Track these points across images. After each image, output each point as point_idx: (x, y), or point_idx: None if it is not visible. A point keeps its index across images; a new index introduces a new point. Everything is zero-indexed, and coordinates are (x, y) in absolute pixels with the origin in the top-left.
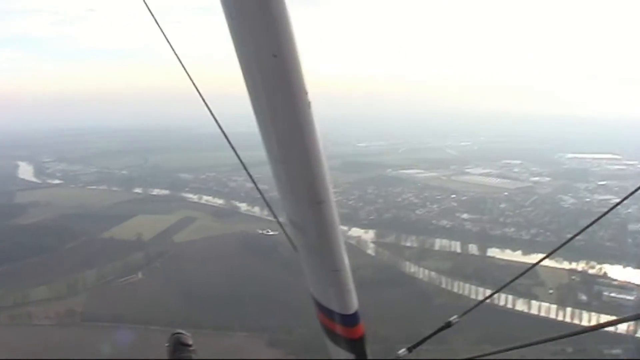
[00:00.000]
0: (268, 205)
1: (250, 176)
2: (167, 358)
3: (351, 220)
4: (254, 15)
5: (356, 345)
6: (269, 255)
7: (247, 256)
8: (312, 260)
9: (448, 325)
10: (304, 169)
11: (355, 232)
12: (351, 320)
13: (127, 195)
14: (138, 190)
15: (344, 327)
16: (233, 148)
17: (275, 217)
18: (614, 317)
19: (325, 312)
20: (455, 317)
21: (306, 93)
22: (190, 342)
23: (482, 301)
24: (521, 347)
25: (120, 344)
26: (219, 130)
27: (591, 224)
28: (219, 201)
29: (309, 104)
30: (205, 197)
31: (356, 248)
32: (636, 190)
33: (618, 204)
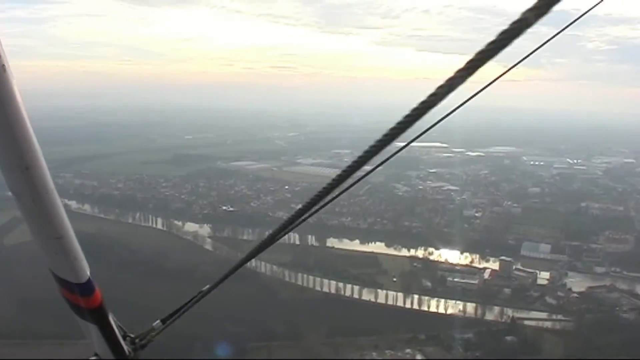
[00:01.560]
0: None
1: None
2: None
3: (185, 214)
4: None
5: (96, 314)
6: (105, 255)
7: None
8: (35, 229)
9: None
10: (7, 132)
11: (191, 227)
12: (86, 288)
13: None
14: None
15: (82, 297)
16: None
17: None
18: None
19: (62, 283)
20: (207, 286)
21: None
22: None
23: (235, 268)
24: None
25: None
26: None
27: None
28: None
29: (3, 67)
30: None
31: (193, 244)
32: (376, 168)
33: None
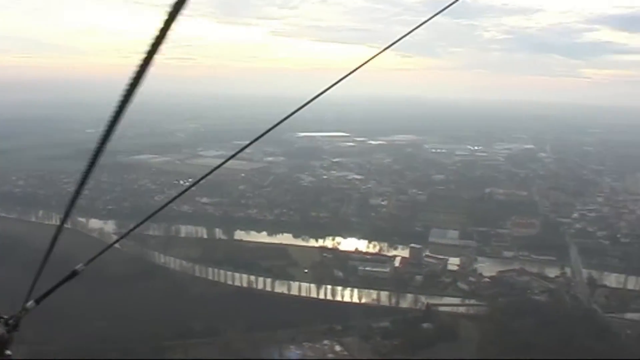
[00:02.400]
0: None
1: None
2: None
3: (89, 211)
4: None
5: None
6: (8, 257)
7: None
8: None
9: (74, 273)
10: None
11: (95, 223)
12: None
13: None
14: None
15: None
16: None
17: None
18: None
19: None
20: (80, 265)
21: None
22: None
23: (107, 248)
24: None
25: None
26: None
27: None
28: None
29: None
30: None
31: (99, 241)
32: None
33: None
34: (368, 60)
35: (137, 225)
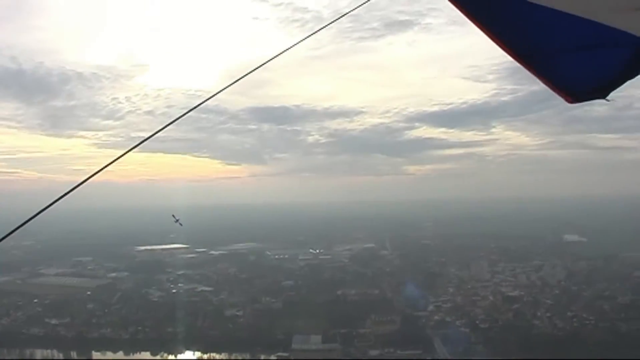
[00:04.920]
0: None
1: None
2: None
3: None
4: None
5: None
6: None
7: None
8: None
9: None
10: None
11: None
12: None
13: None
14: None
15: None
16: None
17: None
18: None
19: None
20: None
21: None
22: None
23: None
24: None
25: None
26: None
27: None
28: None
29: None
30: None
31: None
32: None
33: None
34: (111, 162)
35: None
